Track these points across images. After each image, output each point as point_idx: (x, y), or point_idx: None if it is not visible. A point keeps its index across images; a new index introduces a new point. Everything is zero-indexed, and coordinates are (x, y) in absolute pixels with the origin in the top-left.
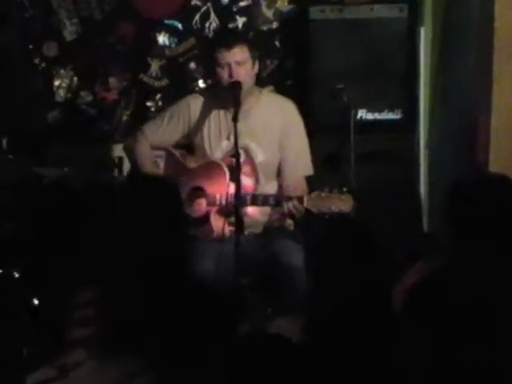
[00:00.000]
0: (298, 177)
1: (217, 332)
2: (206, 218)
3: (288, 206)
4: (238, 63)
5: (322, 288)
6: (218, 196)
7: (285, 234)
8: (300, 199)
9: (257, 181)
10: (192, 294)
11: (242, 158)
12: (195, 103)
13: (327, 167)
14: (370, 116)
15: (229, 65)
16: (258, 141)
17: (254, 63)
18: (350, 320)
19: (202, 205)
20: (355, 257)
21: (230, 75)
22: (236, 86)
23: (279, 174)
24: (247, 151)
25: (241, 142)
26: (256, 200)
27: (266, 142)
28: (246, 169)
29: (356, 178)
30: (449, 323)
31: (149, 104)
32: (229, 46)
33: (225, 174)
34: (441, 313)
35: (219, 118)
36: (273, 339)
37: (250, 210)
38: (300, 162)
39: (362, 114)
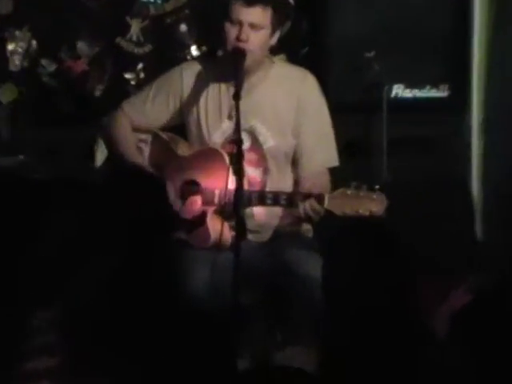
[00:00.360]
0: (318, 169)
1: (213, 365)
2: (201, 220)
3: (305, 206)
4: (253, 26)
5: (345, 311)
6: (216, 192)
7: (300, 241)
8: (320, 198)
9: (266, 172)
10: (182, 316)
11: (247, 144)
12: (189, 73)
13: (351, 158)
14: (407, 93)
15: (241, 24)
16: (267, 122)
17: (273, 32)
18: (380, 354)
19: (196, 203)
20: (388, 274)
21: (238, 38)
22: (239, 54)
23: (294, 165)
24: (253, 135)
25: (245, 124)
26: (264, 198)
27: (278, 123)
28: (251, 157)
29: (389, 171)
30: (504, 354)
31: (128, 76)
32: (250, 0)
33: (225, 164)
34: (496, 342)
35: (220, 93)
36: (285, 374)
37: (257, 210)
38: (321, 149)
39: (398, 90)
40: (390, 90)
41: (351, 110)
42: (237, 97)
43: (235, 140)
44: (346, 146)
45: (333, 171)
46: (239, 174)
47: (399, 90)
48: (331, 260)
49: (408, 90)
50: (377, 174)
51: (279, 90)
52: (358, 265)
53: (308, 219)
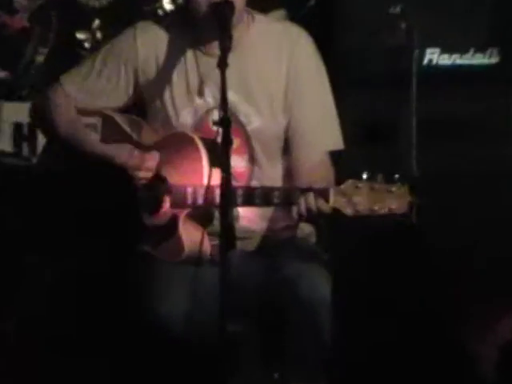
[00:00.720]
0: (318, 156)
1: None
2: (171, 227)
3: (304, 203)
4: None
5: (362, 343)
6: (189, 191)
7: (300, 250)
8: (324, 193)
9: (251, 162)
10: (151, 349)
11: None
12: (146, 37)
13: (370, 145)
14: (444, 60)
15: None
16: (250, 96)
17: None
18: None
19: (163, 205)
20: (413, 292)
21: None
22: (226, 6)
23: (287, 151)
24: (233, 113)
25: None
26: (251, 196)
27: (264, 97)
28: (234, 143)
29: (419, 159)
30: None
31: (80, 36)
32: None
33: (199, 153)
34: None
35: (186, 62)
36: None
37: (243, 211)
38: (322, 130)
39: (432, 56)
40: (422, 55)
41: (370, 83)
42: (223, 63)
43: (220, 119)
44: (364, 130)
45: (345, 163)
46: (225, 164)
47: (434, 56)
48: (343, 274)
49: (445, 56)
50: (403, 165)
51: (264, 54)
52: (378, 282)
53: (309, 221)
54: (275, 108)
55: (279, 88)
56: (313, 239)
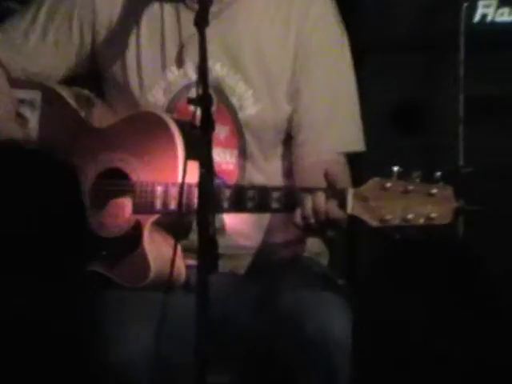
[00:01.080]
0: (329, 156)
1: None
2: (132, 240)
3: (311, 203)
4: None
5: None
6: (158, 191)
7: (308, 274)
8: (338, 194)
9: (242, 157)
10: None
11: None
12: None
13: (402, 134)
14: (503, 16)
15: None
16: (244, 73)
17: None
18: None
19: (123, 210)
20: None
21: None
22: None
23: (291, 147)
24: (221, 93)
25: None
26: (242, 199)
27: (263, 76)
28: (217, 130)
29: (468, 154)
30: None
31: None
32: None
33: (172, 139)
34: None
35: (165, 19)
36: None
37: (230, 220)
38: (336, 122)
39: (487, 10)
40: (473, 10)
41: (402, 49)
42: (202, 20)
43: (199, 98)
44: (393, 112)
45: (368, 157)
46: (206, 155)
47: (489, 11)
48: (365, 307)
49: (504, 11)
50: (446, 158)
51: (265, 18)
52: (412, 318)
53: (317, 233)
54: (278, 90)
55: (284, 64)
56: (324, 260)
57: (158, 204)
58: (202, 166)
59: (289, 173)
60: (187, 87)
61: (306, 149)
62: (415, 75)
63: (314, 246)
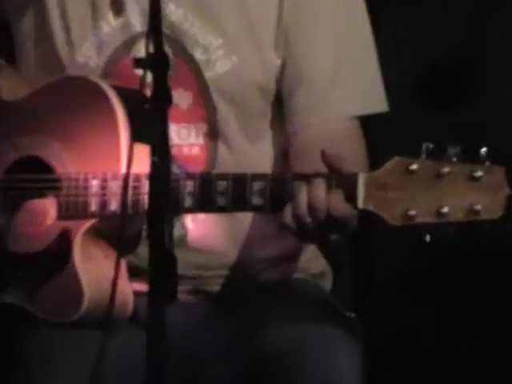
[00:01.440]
0: (337, 121)
1: None
2: (58, 256)
3: (306, 196)
4: None
5: None
6: (93, 185)
7: (302, 301)
8: (346, 181)
9: (215, 136)
10: None
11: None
12: None
13: (430, 96)
14: None
15: None
16: (210, 15)
17: None
18: None
19: (44, 215)
20: None
21: None
22: None
23: (285, 119)
24: (181, 45)
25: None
26: (211, 193)
27: (240, 22)
28: (177, 99)
29: None
30: None
31: None
32: None
33: (114, 116)
34: None
35: None
36: None
37: (195, 226)
38: (346, 75)
39: None
40: None
41: None
42: None
43: (148, 57)
44: (424, 79)
45: (389, 131)
46: (160, 136)
47: None
48: (379, 346)
49: None
50: (493, 132)
51: None
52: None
53: (316, 239)
54: (261, 39)
55: (268, 2)
56: (326, 283)
57: (94, 205)
58: (154, 150)
59: (282, 159)
60: (130, 42)
61: (303, 117)
62: (455, 24)
63: (312, 263)
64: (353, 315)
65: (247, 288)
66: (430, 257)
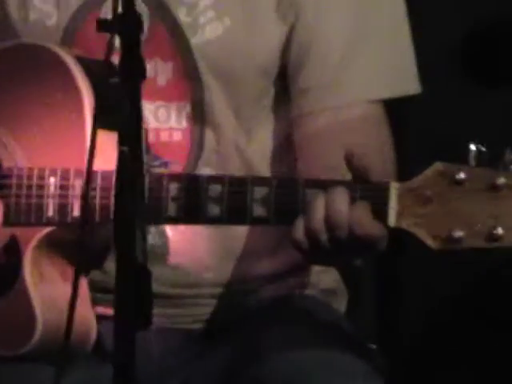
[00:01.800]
0: (355, 106)
1: None
2: (6, 273)
3: (323, 210)
4: None
5: None
6: (50, 182)
7: (308, 323)
8: (374, 192)
9: (201, 118)
10: None
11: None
12: None
13: (478, 80)
14: None
15: None
16: None
17: None
18: None
19: None
20: None
21: None
22: None
23: (291, 105)
24: (157, 5)
25: None
26: (199, 196)
27: None
28: (155, 71)
29: None
30: None
31: None
32: None
33: (77, 93)
34: None
35: None
36: None
37: (177, 238)
38: (368, 50)
39: None
40: None
41: None
42: None
43: (116, 18)
44: (463, 52)
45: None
46: (132, 120)
47: None
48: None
49: None
50: None
51: None
52: None
53: (335, 262)
54: (257, 6)
55: None
56: (340, 302)
57: (51, 209)
58: (122, 139)
59: (281, 153)
60: (94, 3)
61: (312, 100)
62: None
63: (321, 277)
64: (374, 346)
65: (240, 308)
66: (470, 282)
